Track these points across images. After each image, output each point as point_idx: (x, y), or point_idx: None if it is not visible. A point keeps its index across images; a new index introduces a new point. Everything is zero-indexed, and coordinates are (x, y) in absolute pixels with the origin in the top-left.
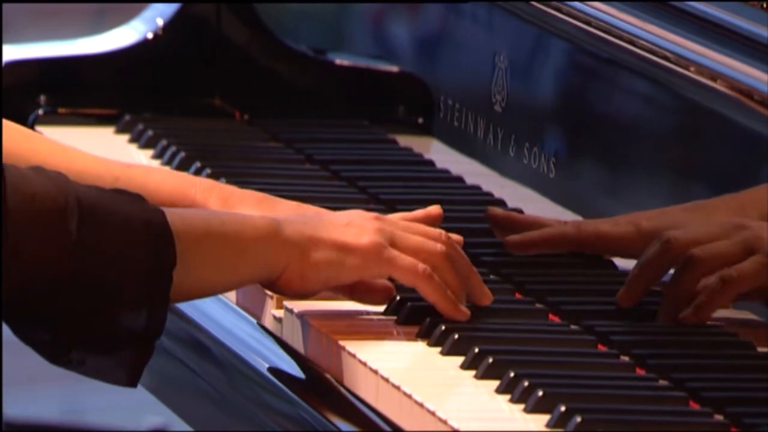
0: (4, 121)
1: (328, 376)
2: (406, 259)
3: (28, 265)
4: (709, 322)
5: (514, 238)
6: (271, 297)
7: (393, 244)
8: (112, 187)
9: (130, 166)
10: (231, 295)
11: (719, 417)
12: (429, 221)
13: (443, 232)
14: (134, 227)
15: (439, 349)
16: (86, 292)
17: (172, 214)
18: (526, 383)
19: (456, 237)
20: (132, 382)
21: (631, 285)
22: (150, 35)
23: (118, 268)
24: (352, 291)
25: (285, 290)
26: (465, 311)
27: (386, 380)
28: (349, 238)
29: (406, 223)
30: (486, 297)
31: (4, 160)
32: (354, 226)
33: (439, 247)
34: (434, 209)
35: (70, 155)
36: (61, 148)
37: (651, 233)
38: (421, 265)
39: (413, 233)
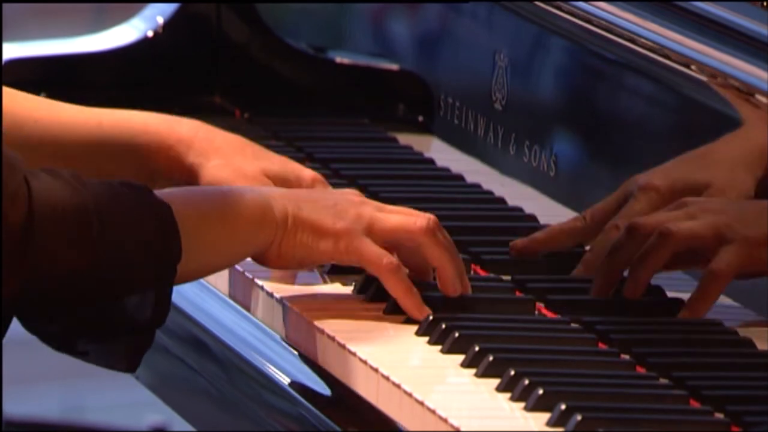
0: None
1: (328, 374)
2: (373, 251)
3: (53, 269)
4: (708, 320)
5: (519, 242)
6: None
7: (371, 227)
8: (119, 180)
9: (113, 111)
10: (226, 290)
11: (720, 415)
12: None
13: (429, 215)
14: (145, 225)
15: (439, 347)
16: (102, 287)
17: (174, 202)
18: (526, 381)
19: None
20: (132, 368)
21: (603, 274)
22: (150, 33)
23: (131, 264)
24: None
25: (261, 265)
26: (425, 310)
27: (386, 378)
28: (327, 222)
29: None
30: (463, 287)
31: None
32: (335, 209)
33: (419, 223)
34: None
35: (54, 108)
36: (45, 103)
37: (670, 192)
38: (386, 258)
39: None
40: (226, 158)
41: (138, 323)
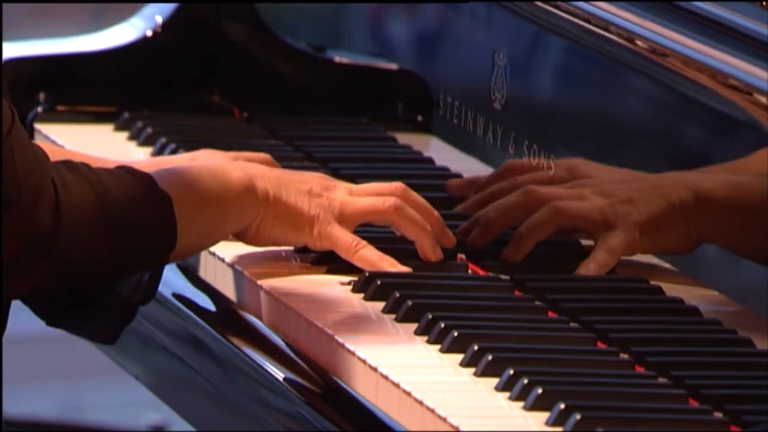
0: None
1: (327, 372)
2: (343, 238)
3: (76, 258)
4: (708, 320)
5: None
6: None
7: (343, 213)
8: (123, 168)
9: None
10: (230, 293)
11: (718, 414)
12: None
13: (397, 185)
14: (149, 212)
15: (438, 346)
16: (111, 271)
17: (171, 187)
18: (525, 381)
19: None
20: (113, 341)
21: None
22: (149, 33)
23: (135, 249)
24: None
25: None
26: (403, 267)
27: (385, 378)
28: (302, 207)
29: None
30: (448, 239)
31: None
32: (309, 194)
33: (387, 203)
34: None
35: None
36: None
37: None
38: (355, 243)
39: (366, 195)
40: None
41: (131, 301)
